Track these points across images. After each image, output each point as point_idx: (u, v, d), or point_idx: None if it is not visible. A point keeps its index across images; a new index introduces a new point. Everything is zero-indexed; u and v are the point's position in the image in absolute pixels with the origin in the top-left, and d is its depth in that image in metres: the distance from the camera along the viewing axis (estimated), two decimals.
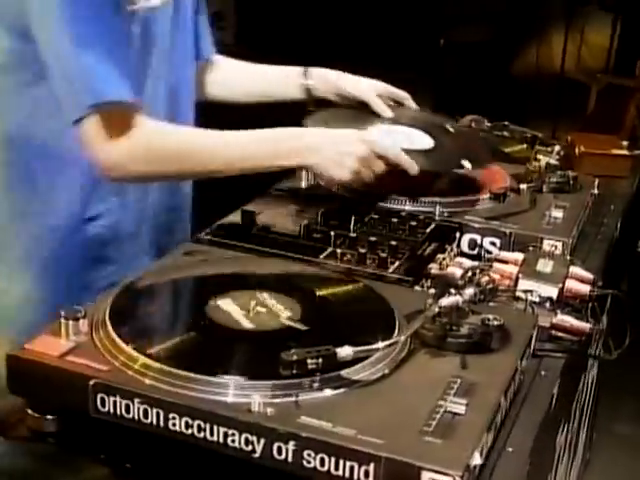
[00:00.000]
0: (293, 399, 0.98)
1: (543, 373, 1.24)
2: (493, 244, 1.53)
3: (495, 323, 1.13)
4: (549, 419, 1.19)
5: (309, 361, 0.99)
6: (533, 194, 1.68)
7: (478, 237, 1.53)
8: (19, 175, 1.51)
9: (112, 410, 1.00)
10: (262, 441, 0.94)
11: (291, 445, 0.93)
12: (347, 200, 1.61)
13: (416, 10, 5.35)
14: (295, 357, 0.99)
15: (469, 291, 1.14)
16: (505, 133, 2.24)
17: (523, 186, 1.65)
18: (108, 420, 1.01)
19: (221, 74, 1.84)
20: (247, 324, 1.11)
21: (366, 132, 1.57)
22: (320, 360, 1.00)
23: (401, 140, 1.65)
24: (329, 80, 1.79)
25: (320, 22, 5.18)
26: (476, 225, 1.54)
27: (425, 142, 1.70)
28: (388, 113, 1.75)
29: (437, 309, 1.11)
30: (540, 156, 1.83)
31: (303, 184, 1.71)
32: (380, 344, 1.05)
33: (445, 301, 1.12)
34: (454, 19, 5.56)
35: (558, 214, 1.60)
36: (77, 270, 1.55)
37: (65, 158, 1.48)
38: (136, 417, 0.99)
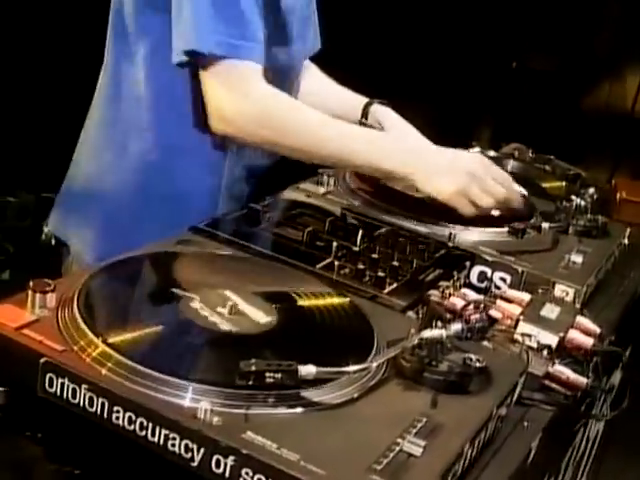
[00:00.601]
0: (243, 412, 0.92)
1: (526, 424, 1.17)
2: (503, 280, 1.46)
3: (477, 364, 1.06)
4: (522, 473, 1.12)
5: (267, 374, 0.94)
6: (556, 234, 1.61)
7: (489, 270, 1.47)
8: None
9: (59, 392, 0.96)
10: (202, 451, 0.89)
11: (230, 460, 0.88)
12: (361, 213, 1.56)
13: (491, 32, 5.26)
14: (253, 368, 0.93)
15: (455, 327, 1.08)
16: (547, 167, 2.17)
17: (545, 225, 1.57)
18: (54, 402, 0.97)
19: (316, 83, 1.86)
20: (219, 325, 1.06)
21: (475, 156, 1.59)
22: (279, 375, 0.94)
23: None
24: (379, 123, 1.81)
25: (396, 34, 5.11)
26: (489, 258, 1.47)
27: None
28: None
29: (417, 340, 1.05)
30: (573, 196, 1.75)
31: (322, 190, 1.66)
32: (350, 368, 1.00)
33: (427, 333, 1.06)
34: (528, 45, 5.45)
35: (578, 259, 1.52)
36: None
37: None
38: (81, 404, 0.95)
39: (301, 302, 1.16)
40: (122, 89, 1.60)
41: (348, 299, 1.19)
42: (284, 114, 1.50)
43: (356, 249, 1.38)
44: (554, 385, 1.26)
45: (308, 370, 0.96)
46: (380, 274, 1.31)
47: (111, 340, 0.99)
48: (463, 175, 1.49)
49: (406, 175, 1.51)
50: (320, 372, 0.96)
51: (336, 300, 1.18)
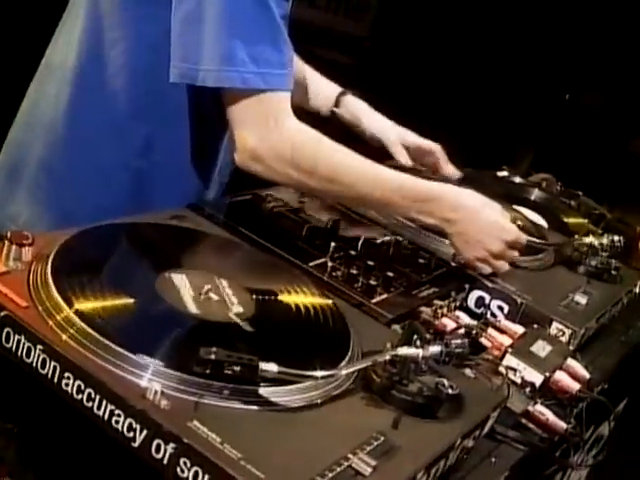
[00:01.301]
0: (194, 399, 0.89)
1: (494, 460, 1.13)
2: (500, 308, 1.42)
3: (449, 391, 1.02)
4: None
5: (227, 365, 0.90)
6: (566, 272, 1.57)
7: (487, 297, 1.42)
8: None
9: (14, 348, 0.93)
10: (144, 432, 0.86)
11: (170, 447, 0.84)
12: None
13: (550, 62, 5.18)
14: (213, 356, 0.90)
15: (434, 348, 1.04)
16: (572, 202, 2.12)
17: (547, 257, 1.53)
18: (8, 358, 0.94)
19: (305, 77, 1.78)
20: (190, 307, 1.03)
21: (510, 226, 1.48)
22: (238, 368, 0.91)
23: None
24: (356, 113, 1.76)
25: (453, 61, 5.02)
26: (489, 284, 1.43)
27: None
28: (407, 161, 1.70)
29: (390, 356, 1.01)
30: (591, 236, 1.70)
31: None
32: (317, 372, 0.96)
33: (403, 350, 1.02)
34: (583, 79, 5.36)
35: (582, 300, 1.48)
36: None
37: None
38: (34, 364, 0.92)
39: (282, 297, 1.12)
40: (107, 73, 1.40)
41: (331, 301, 1.15)
42: (314, 154, 1.35)
43: (353, 253, 1.34)
44: (531, 425, 1.22)
45: (269, 368, 0.92)
46: (372, 282, 1.27)
47: (78, 307, 0.96)
48: (499, 243, 1.42)
49: (442, 228, 1.43)
50: (282, 372, 0.93)
51: (318, 300, 1.14)
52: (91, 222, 1.18)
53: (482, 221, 1.41)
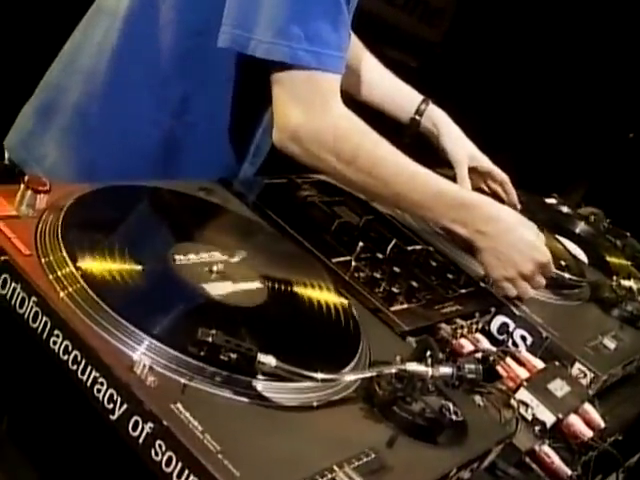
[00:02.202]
0: (184, 381, 0.84)
1: None
2: (523, 339, 1.35)
3: (453, 417, 0.96)
4: None
5: (223, 351, 0.86)
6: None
7: (512, 324, 1.36)
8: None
9: (9, 296, 0.89)
10: (124, 407, 0.81)
11: (148, 426, 0.80)
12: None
13: (616, 99, 5.05)
14: (210, 339, 0.85)
15: (444, 370, 0.98)
16: (618, 242, 2.04)
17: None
18: (2, 305, 0.90)
19: (366, 65, 1.72)
20: (199, 284, 0.98)
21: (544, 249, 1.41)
22: (235, 355, 0.86)
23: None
24: (437, 124, 1.69)
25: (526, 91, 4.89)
26: (516, 312, 1.36)
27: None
28: (466, 185, 1.62)
29: (396, 370, 0.95)
30: (632, 280, 1.62)
31: None
32: (317, 374, 0.91)
33: (412, 366, 0.96)
34: None
35: (610, 344, 1.41)
36: None
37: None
38: (26, 316, 0.88)
39: (297, 288, 1.07)
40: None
41: (346, 301, 1.10)
42: (358, 144, 1.29)
43: (381, 256, 1.29)
44: (534, 465, 1.16)
45: (267, 360, 0.87)
46: (394, 289, 1.21)
47: (82, 265, 0.92)
48: (531, 265, 1.36)
49: (473, 241, 1.35)
50: (280, 367, 0.88)
51: (334, 298, 1.09)
52: (115, 178, 1.15)
53: (516, 238, 1.35)
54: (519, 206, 1.71)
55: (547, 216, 1.93)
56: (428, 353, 1.00)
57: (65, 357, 0.85)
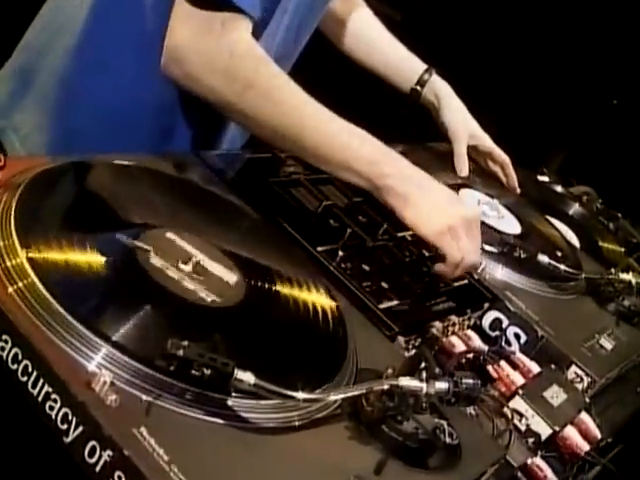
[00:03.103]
0: (149, 399, 0.74)
1: None
2: (517, 337, 1.26)
3: (447, 440, 0.87)
4: None
5: (195, 366, 0.75)
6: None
7: (505, 321, 1.26)
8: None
9: None
10: (79, 429, 0.71)
11: (106, 454, 0.69)
12: None
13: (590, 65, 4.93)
14: (181, 352, 0.74)
15: (440, 385, 0.88)
16: (611, 225, 1.95)
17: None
18: None
19: (357, 27, 1.61)
20: (169, 280, 0.87)
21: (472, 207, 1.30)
22: (209, 372, 0.75)
23: (489, 215, 1.50)
24: (437, 99, 1.59)
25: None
26: (511, 307, 1.27)
27: (511, 228, 1.52)
28: (463, 172, 1.50)
29: (389, 386, 0.85)
30: (631, 274, 1.53)
31: None
32: (299, 394, 0.80)
33: (405, 381, 0.86)
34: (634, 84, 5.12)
35: (607, 344, 1.32)
36: None
37: None
38: None
39: (280, 286, 0.96)
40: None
41: (335, 304, 0.99)
42: (256, 69, 1.14)
43: (370, 244, 1.18)
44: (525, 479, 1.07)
45: (245, 378, 0.77)
46: (384, 284, 1.11)
47: (34, 255, 0.80)
48: (458, 217, 1.18)
49: (390, 191, 1.15)
50: (259, 385, 0.77)
51: (322, 300, 0.98)
52: (99, 149, 1.05)
53: (444, 192, 1.21)
54: (518, 190, 1.62)
55: (540, 196, 1.84)
56: (422, 365, 0.90)
57: (14, 366, 0.74)
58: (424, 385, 0.87)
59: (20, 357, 0.74)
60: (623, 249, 1.83)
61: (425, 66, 1.61)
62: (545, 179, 2.02)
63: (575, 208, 1.91)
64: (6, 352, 0.74)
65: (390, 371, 0.89)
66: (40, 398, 0.73)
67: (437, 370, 0.90)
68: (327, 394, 0.83)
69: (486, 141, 1.61)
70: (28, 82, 1.32)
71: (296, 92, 1.15)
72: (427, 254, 1.25)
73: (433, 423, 0.88)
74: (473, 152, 1.60)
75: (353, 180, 1.16)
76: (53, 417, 0.72)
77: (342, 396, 0.84)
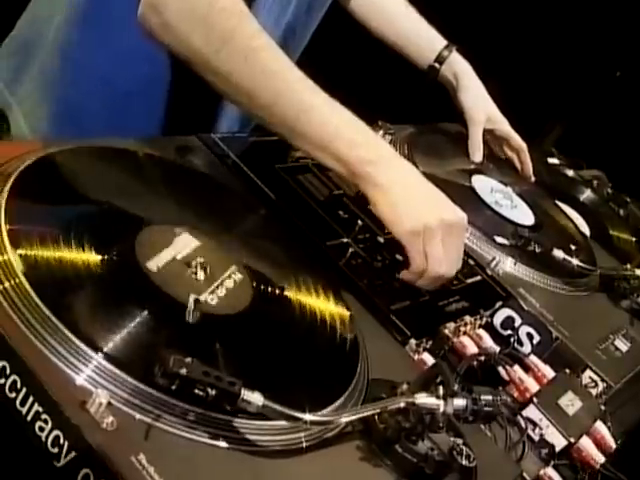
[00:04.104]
0: (149, 421, 0.68)
1: None
2: (530, 337, 1.20)
3: (464, 462, 0.81)
4: None
5: (199, 386, 0.69)
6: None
7: (518, 320, 1.20)
8: None
9: None
10: (72, 454, 0.65)
11: None
12: None
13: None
14: (184, 371, 0.68)
15: (459, 403, 0.82)
16: (622, 211, 1.89)
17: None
18: None
19: None
20: (170, 284, 0.80)
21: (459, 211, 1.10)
22: (214, 392, 0.69)
23: (502, 204, 1.42)
24: (455, 78, 1.51)
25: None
26: (524, 305, 1.21)
27: (525, 218, 1.44)
28: (476, 157, 1.42)
29: (404, 404, 0.80)
30: None
31: None
32: (308, 416, 0.74)
33: (422, 399, 0.80)
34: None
35: (622, 346, 1.27)
36: None
37: None
38: None
39: (289, 292, 0.90)
40: None
41: (349, 314, 0.93)
42: (234, 26, 1.03)
43: (381, 240, 1.11)
44: None
45: (253, 399, 0.71)
46: (395, 284, 1.04)
47: (26, 253, 0.74)
48: (438, 219, 1.04)
49: (368, 180, 1.02)
50: (267, 407, 0.71)
51: (332, 308, 0.92)
52: (104, 125, 1.04)
53: (420, 188, 1.07)
54: (533, 178, 1.55)
55: (551, 180, 1.77)
56: (439, 379, 0.85)
57: (1, 380, 0.68)
58: (442, 403, 0.81)
59: (8, 371, 0.67)
60: (634, 239, 1.78)
61: (445, 42, 1.53)
62: (555, 161, 1.96)
63: (587, 194, 1.85)
64: None
65: (405, 387, 0.83)
66: (29, 417, 0.66)
67: (456, 387, 0.84)
68: (339, 415, 0.77)
69: (504, 125, 1.54)
70: (30, 55, 1.26)
71: (277, 56, 1.03)
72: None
73: (449, 443, 0.82)
74: (489, 136, 1.53)
75: (329, 163, 1.03)
76: (43, 439, 0.66)
77: (355, 417, 0.78)
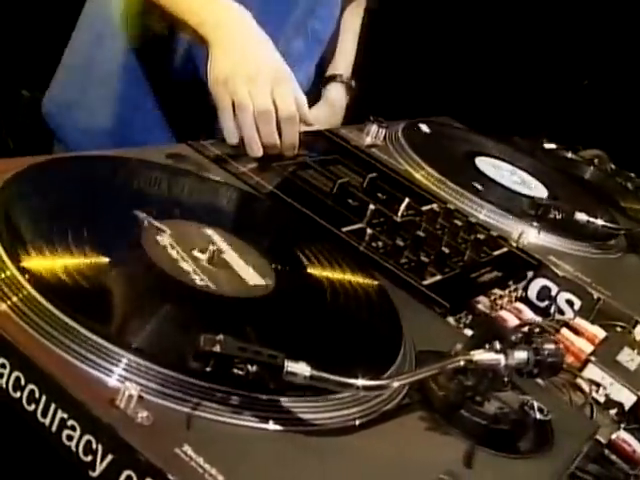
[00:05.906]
0: (187, 410, 0.60)
1: None
2: (570, 304, 1.13)
3: (539, 416, 0.74)
4: None
5: (237, 362, 0.61)
6: None
7: (555, 288, 1.13)
8: None
9: None
10: (109, 457, 0.57)
11: None
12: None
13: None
14: (218, 348, 0.61)
15: (520, 355, 0.75)
16: (629, 185, 1.84)
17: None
18: None
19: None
20: (187, 274, 0.73)
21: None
22: (255, 368, 0.62)
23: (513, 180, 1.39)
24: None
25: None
26: (559, 272, 1.14)
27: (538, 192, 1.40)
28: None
29: (464, 362, 0.72)
30: None
31: (367, 140, 1.33)
32: (359, 381, 0.67)
33: (480, 355, 0.73)
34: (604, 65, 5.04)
35: None
36: None
37: None
38: None
39: (311, 269, 0.83)
40: None
41: (377, 282, 0.86)
42: None
43: (398, 219, 1.05)
44: (613, 457, 0.94)
45: (299, 370, 0.63)
46: (423, 259, 0.97)
47: (29, 265, 0.67)
48: (261, 65, 1.08)
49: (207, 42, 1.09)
50: (317, 377, 0.63)
51: (360, 280, 0.85)
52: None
53: (247, 41, 1.11)
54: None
55: (552, 162, 1.72)
56: (492, 336, 0.77)
57: (17, 394, 0.60)
58: (502, 357, 0.73)
59: (23, 382, 0.60)
60: None
61: (339, 72, 1.55)
62: (552, 146, 1.90)
63: (590, 171, 1.79)
64: (5, 379, 0.60)
65: (459, 346, 0.76)
66: (54, 428, 0.59)
67: (514, 338, 0.76)
68: (392, 380, 0.69)
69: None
70: (83, 80, 1.33)
71: None
72: (459, 223, 1.12)
73: (519, 400, 0.75)
74: None
75: (190, 36, 1.15)
76: (73, 448, 0.58)
77: (410, 380, 0.71)
